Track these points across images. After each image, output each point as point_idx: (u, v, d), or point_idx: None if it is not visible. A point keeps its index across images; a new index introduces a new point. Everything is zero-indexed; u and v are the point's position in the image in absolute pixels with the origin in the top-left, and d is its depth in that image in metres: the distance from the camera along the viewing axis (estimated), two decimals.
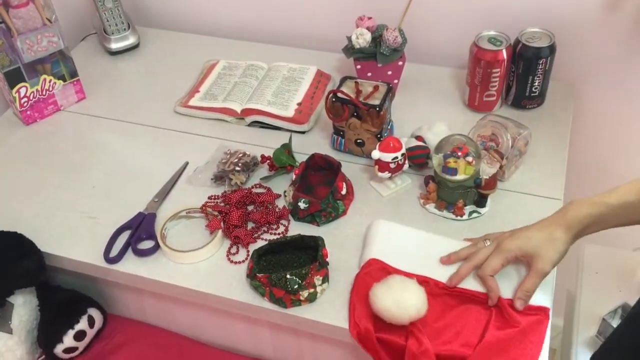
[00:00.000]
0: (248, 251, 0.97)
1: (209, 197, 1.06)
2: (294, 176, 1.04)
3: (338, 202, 1.00)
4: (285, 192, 1.04)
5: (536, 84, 1.16)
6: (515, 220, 0.97)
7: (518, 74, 1.15)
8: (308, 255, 0.95)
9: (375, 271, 0.90)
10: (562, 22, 1.19)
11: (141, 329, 1.11)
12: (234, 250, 0.98)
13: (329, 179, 1.05)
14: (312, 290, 0.89)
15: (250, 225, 1.01)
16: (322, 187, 1.04)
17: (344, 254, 0.96)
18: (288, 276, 0.87)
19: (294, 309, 0.90)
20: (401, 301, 0.81)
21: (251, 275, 0.90)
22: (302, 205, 0.98)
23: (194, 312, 1.06)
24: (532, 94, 1.17)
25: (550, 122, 1.16)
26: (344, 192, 1.01)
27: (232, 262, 0.97)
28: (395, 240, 0.95)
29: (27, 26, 1.17)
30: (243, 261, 0.97)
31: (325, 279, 0.90)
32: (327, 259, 0.92)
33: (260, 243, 0.99)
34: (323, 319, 0.89)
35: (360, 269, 0.92)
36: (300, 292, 0.88)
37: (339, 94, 1.06)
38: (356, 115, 1.06)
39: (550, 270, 0.84)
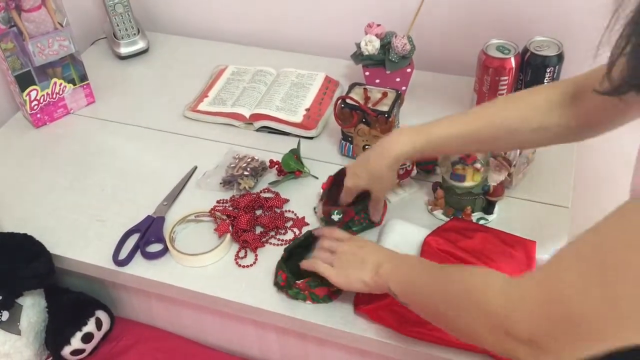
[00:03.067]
0: (256, 255, 0.98)
1: (218, 202, 1.06)
2: (321, 191, 1.03)
3: None
4: (314, 208, 1.04)
5: None
6: (523, 227, 0.98)
7: (526, 82, 1.16)
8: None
9: None
10: (570, 31, 1.19)
11: (148, 332, 1.11)
12: (242, 254, 0.99)
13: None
14: None
15: (258, 229, 1.02)
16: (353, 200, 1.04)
17: None
18: None
19: (303, 312, 0.90)
20: None
21: (287, 286, 0.91)
22: (335, 217, 0.98)
23: (200, 315, 1.06)
24: None
25: None
26: None
27: (240, 265, 0.97)
28: (408, 239, 0.96)
29: (38, 30, 1.18)
30: (251, 265, 0.97)
31: None
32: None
33: (269, 248, 0.99)
34: (330, 323, 0.89)
35: None
36: None
37: (348, 100, 1.06)
38: (365, 122, 1.06)
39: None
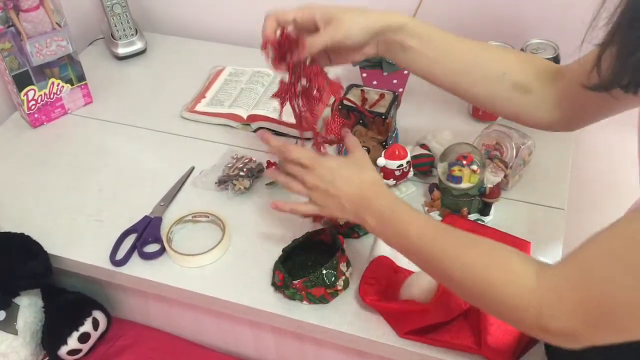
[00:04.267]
0: None
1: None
2: None
3: None
4: None
5: None
6: (518, 229, 0.98)
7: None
8: (317, 251, 0.97)
9: (383, 267, 0.93)
10: (566, 34, 1.20)
11: (145, 333, 1.11)
12: None
13: None
14: (344, 277, 0.91)
15: None
16: None
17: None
18: (324, 271, 0.89)
19: (300, 313, 0.90)
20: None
21: (285, 286, 0.91)
22: (340, 220, 0.98)
23: (197, 316, 1.06)
24: None
25: (553, 133, 1.17)
26: None
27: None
28: None
29: (36, 30, 1.18)
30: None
31: (349, 264, 0.93)
32: (344, 245, 0.94)
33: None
34: (327, 323, 0.89)
35: (370, 264, 0.94)
36: (337, 283, 0.90)
37: (345, 102, 1.07)
38: (362, 123, 1.06)
39: (343, 37, 0.82)
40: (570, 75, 0.80)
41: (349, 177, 0.82)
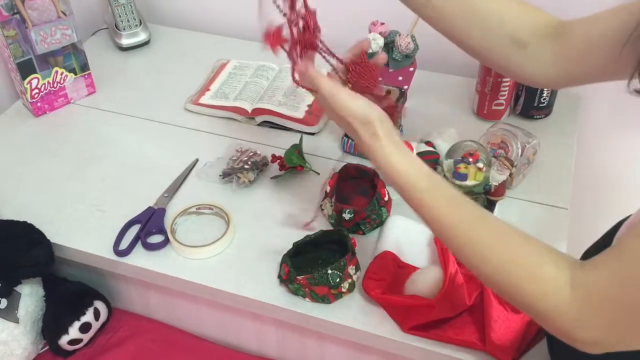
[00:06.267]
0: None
1: None
2: (327, 189, 1.02)
3: (382, 208, 1.00)
4: (321, 205, 1.04)
5: (544, 94, 1.17)
6: (522, 228, 0.98)
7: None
8: (329, 250, 0.96)
9: (387, 262, 0.93)
10: None
11: (145, 324, 1.11)
12: None
13: (361, 188, 1.04)
14: (350, 280, 0.90)
15: None
16: (356, 197, 1.04)
17: None
18: (329, 271, 0.88)
19: (304, 307, 0.90)
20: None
21: (289, 280, 0.91)
22: (347, 216, 0.98)
23: (198, 308, 1.06)
24: (541, 105, 1.19)
25: (557, 132, 1.18)
26: (386, 198, 1.01)
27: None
28: (410, 236, 0.97)
29: (41, 18, 1.17)
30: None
31: (358, 267, 0.93)
32: (356, 248, 0.93)
33: None
34: (330, 317, 0.89)
35: (374, 259, 0.94)
36: (342, 285, 0.89)
37: None
38: None
39: None
40: (573, 33, 0.77)
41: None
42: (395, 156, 0.72)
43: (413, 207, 0.72)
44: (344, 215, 0.98)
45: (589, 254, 0.79)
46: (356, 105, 0.74)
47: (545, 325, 0.64)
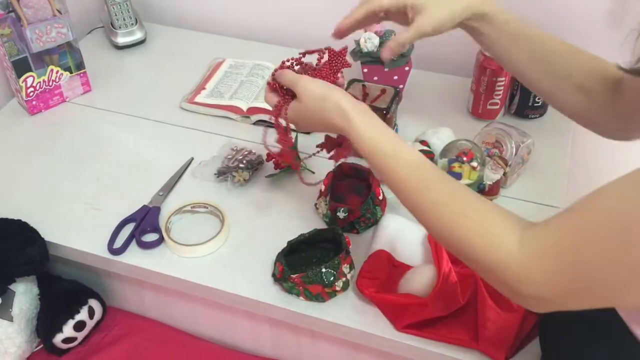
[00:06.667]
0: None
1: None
2: (322, 187, 1.02)
3: (377, 207, 1.00)
4: (315, 204, 1.04)
5: None
6: None
7: (522, 84, 1.17)
8: (323, 249, 0.97)
9: (382, 261, 0.93)
10: (565, 35, 1.20)
11: (140, 322, 1.11)
12: None
13: (356, 187, 1.05)
14: (344, 279, 0.90)
15: None
16: (351, 195, 1.04)
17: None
18: (324, 270, 0.88)
19: (298, 305, 0.90)
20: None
21: (283, 278, 0.91)
22: (341, 215, 0.98)
23: (193, 307, 1.06)
24: (535, 104, 1.19)
25: (551, 132, 1.18)
26: (381, 197, 1.01)
27: None
28: (404, 235, 0.97)
29: (37, 16, 1.17)
30: None
31: (352, 266, 0.93)
32: (350, 246, 0.94)
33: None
34: (324, 316, 0.90)
35: (368, 257, 0.95)
36: (336, 283, 0.89)
37: None
38: None
39: (431, 31, 0.84)
40: (629, 83, 0.80)
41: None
42: (363, 124, 0.75)
43: (378, 171, 0.75)
44: (338, 214, 0.98)
45: None
46: (315, 85, 0.80)
47: (492, 280, 0.64)
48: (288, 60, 0.89)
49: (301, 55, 0.91)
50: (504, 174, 1.02)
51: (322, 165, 1.08)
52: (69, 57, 1.26)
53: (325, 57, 0.89)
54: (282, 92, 0.86)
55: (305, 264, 0.95)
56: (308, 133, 1.08)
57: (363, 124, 0.75)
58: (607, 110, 0.82)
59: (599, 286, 0.56)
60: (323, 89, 0.80)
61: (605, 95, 0.81)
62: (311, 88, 0.80)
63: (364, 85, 1.11)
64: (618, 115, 0.82)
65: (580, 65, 0.83)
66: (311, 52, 0.90)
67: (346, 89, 1.09)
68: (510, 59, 0.88)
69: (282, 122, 0.88)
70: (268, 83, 0.88)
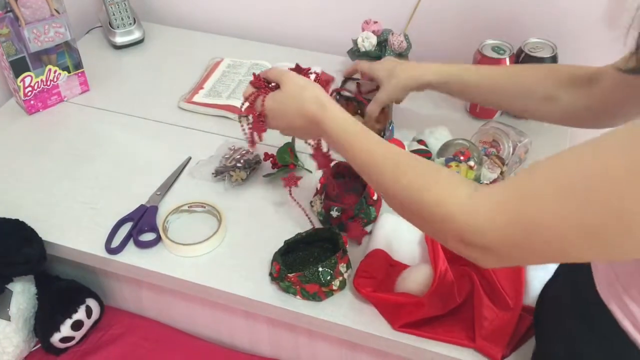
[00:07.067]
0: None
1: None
2: (318, 186, 1.03)
3: (370, 207, 1.00)
4: (311, 202, 1.04)
5: None
6: None
7: None
8: (320, 248, 0.97)
9: (378, 260, 0.94)
10: (564, 34, 1.21)
11: (138, 322, 1.11)
12: None
13: (352, 186, 1.05)
14: (341, 278, 0.90)
15: None
16: (348, 195, 1.04)
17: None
18: (320, 269, 0.89)
19: (295, 304, 0.91)
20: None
21: (280, 277, 0.91)
22: (334, 213, 0.98)
23: (191, 306, 1.06)
24: None
25: (548, 131, 1.18)
26: (375, 197, 1.02)
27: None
28: (399, 235, 0.97)
29: (35, 16, 1.17)
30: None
31: (349, 265, 0.93)
32: (347, 246, 0.94)
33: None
34: (322, 315, 0.90)
35: (365, 257, 0.95)
36: (332, 283, 0.89)
37: (343, 92, 1.07)
38: (360, 113, 1.07)
39: (387, 100, 1.04)
40: (607, 77, 0.84)
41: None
42: (337, 111, 0.81)
43: (343, 150, 0.79)
44: (332, 212, 0.98)
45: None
46: (300, 77, 0.86)
47: (443, 233, 0.65)
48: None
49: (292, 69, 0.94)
50: (501, 173, 1.02)
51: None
52: (67, 56, 1.26)
53: (312, 77, 0.92)
54: (265, 85, 0.90)
55: (302, 263, 0.95)
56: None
57: (338, 111, 0.81)
58: (574, 108, 0.89)
59: (542, 241, 0.57)
60: (306, 81, 0.85)
61: (570, 94, 0.89)
62: (296, 77, 0.86)
63: (358, 83, 1.11)
64: (588, 109, 0.88)
65: (537, 79, 0.92)
66: (300, 70, 0.94)
67: (341, 86, 1.09)
68: (480, 99, 1.03)
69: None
70: (251, 81, 0.91)
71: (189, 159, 1.15)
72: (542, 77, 0.92)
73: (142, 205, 1.05)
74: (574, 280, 0.72)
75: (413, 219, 0.71)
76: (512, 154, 1.03)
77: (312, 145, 0.93)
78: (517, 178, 0.61)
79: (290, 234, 0.96)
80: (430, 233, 0.70)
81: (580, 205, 0.53)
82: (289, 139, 1.11)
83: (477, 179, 0.99)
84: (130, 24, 1.43)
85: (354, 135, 0.78)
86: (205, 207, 1.04)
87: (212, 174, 1.10)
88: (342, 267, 0.91)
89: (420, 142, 1.09)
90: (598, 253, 0.56)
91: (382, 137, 1.05)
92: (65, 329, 1.02)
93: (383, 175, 0.73)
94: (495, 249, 0.60)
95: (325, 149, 0.93)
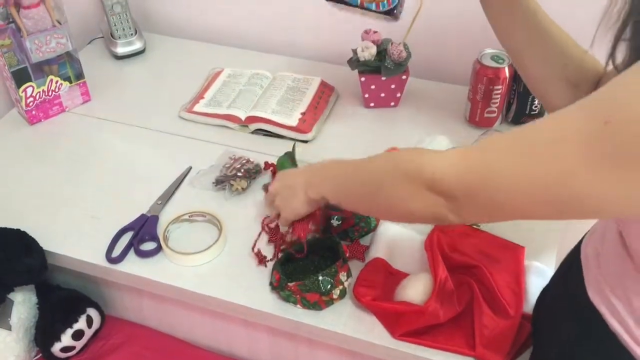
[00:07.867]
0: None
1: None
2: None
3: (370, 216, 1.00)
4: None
5: (536, 102, 1.18)
6: (513, 233, 0.99)
7: (519, 92, 1.17)
8: (321, 257, 0.97)
9: (378, 269, 0.94)
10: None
11: (138, 331, 1.11)
12: None
13: None
14: (341, 287, 0.90)
15: None
16: None
17: None
18: (321, 278, 0.89)
19: (295, 313, 0.91)
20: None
21: (280, 287, 0.91)
22: (335, 222, 0.98)
23: (191, 315, 1.06)
24: (532, 112, 1.19)
25: None
26: None
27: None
28: (400, 243, 0.97)
29: (36, 27, 1.18)
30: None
31: (349, 274, 0.93)
32: (347, 255, 0.94)
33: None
34: (322, 324, 0.90)
35: (365, 265, 0.95)
36: (333, 291, 0.89)
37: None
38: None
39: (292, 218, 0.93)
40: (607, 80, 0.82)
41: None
42: (318, 163, 0.87)
43: (341, 200, 0.82)
44: (332, 221, 0.98)
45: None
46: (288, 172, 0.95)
47: (410, 184, 0.67)
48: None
49: None
50: None
51: None
52: (68, 67, 1.27)
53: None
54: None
55: (302, 272, 0.95)
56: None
57: (319, 163, 0.87)
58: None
59: (496, 189, 0.59)
60: (293, 179, 0.90)
61: (588, 92, 0.83)
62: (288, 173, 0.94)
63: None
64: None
65: (574, 58, 0.85)
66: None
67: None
68: (509, 35, 0.88)
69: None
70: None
71: (190, 168, 1.15)
72: (581, 60, 0.85)
73: (142, 215, 1.05)
74: (567, 285, 0.72)
75: (398, 189, 0.71)
76: None
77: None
78: (487, 137, 0.64)
79: None
80: (409, 195, 0.70)
81: (531, 157, 0.56)
82: (289, 148, 1.12)
83: None
84: (132, 34, 1.43)
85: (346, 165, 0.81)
86: (205, 217, 1.04)
87: (213, 183, 1.10)
88: (342, 276, 0.91)
89: None
90: (550, 212, 0.58)
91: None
92: (66, 339, 1.03)
93: (383, 175, 0.74)
94: (457, 197, 0.63)
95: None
